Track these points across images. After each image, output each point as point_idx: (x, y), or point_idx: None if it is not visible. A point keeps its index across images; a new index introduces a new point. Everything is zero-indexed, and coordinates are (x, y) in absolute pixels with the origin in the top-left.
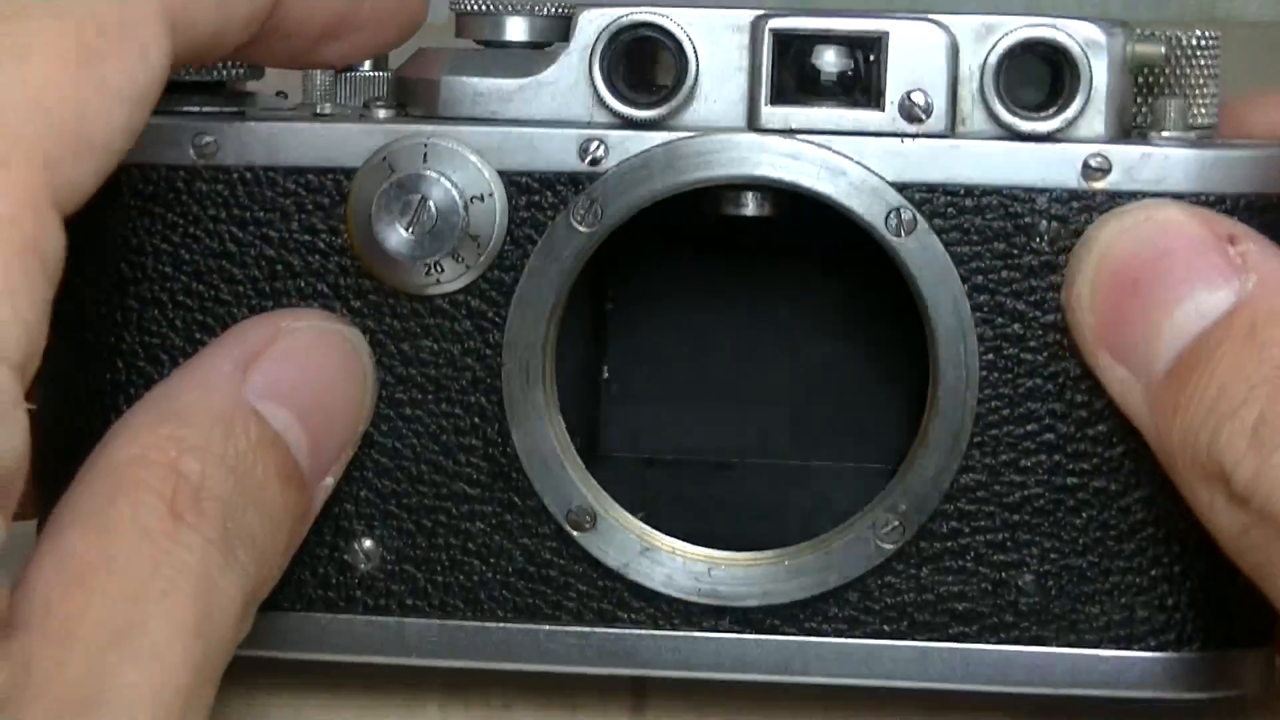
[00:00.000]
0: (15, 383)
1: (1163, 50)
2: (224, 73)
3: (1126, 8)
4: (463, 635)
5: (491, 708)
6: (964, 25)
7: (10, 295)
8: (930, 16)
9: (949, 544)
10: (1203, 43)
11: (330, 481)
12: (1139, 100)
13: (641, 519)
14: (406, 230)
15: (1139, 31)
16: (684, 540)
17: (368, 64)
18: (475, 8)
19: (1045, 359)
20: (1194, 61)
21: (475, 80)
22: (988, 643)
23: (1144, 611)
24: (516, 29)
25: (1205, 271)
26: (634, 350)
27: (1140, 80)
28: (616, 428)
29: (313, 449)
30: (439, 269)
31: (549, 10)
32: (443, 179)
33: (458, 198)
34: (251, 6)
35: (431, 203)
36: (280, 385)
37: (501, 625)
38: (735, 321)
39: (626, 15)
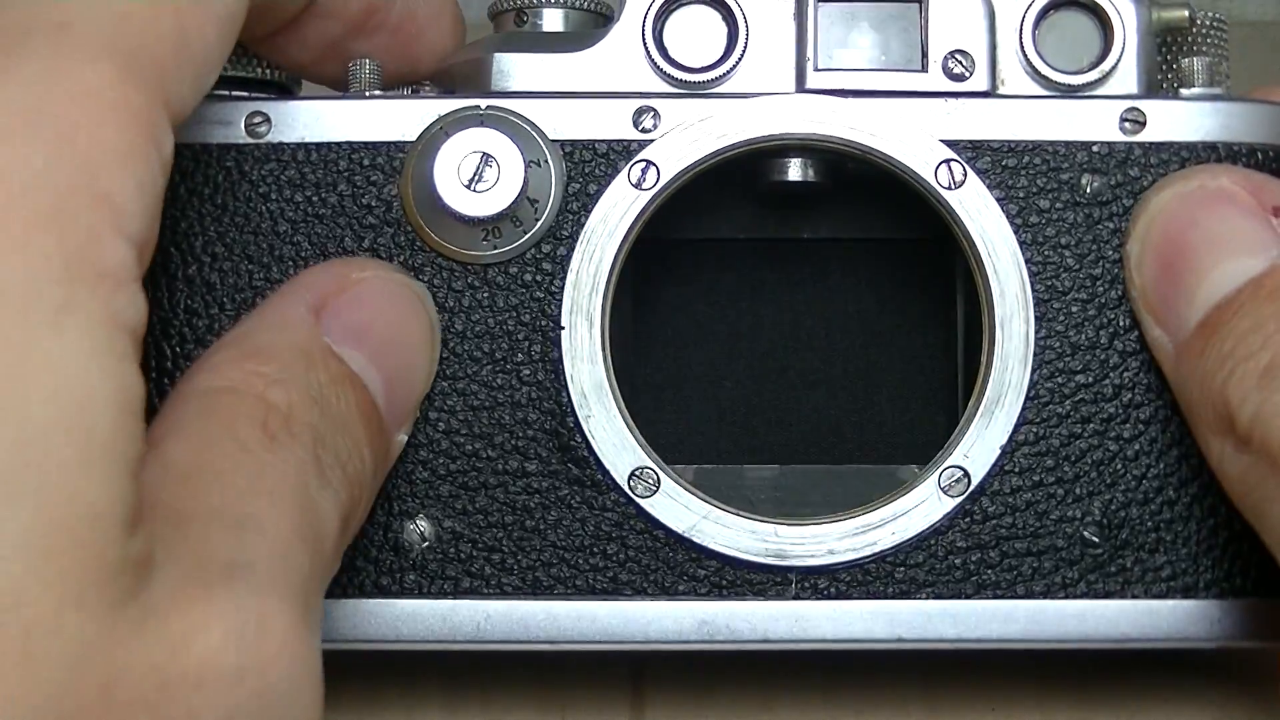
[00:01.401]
0: (135, 262)
1: (1186, 13)
2: (268, 72)
3: None
4: (519, 616)
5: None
6: None
7: (136, 177)
8: None
9: (1011, 498)
10: (1215, 23)
11: (402, 437)
12: (1163, 63)
13: None
14: (469, 187)
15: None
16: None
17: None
18: (512, 4)
19: (1095, 311)
20: (1210, 36)
21: (526, 56)
22: (1055, 597)
23: (1207, 560)
24: (554, 20)
25: (1245, 239)
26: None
27: (1163, 44)
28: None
29: (388, 394)
30: (496, 234)
31: (586, 4)
32: (503, 135)
33: (520, 155)
34: None
35: (494, 159)
36: (353, 329)
37: (561, 603)
38: (771, 317)
39: None
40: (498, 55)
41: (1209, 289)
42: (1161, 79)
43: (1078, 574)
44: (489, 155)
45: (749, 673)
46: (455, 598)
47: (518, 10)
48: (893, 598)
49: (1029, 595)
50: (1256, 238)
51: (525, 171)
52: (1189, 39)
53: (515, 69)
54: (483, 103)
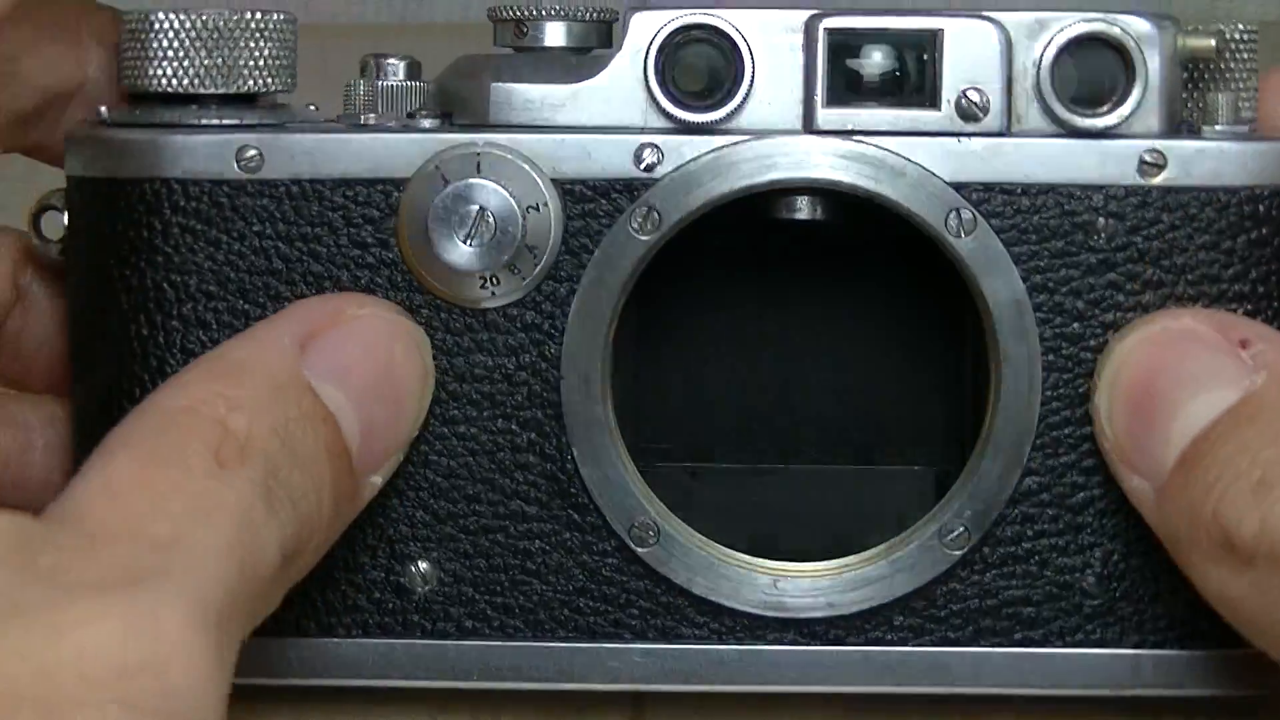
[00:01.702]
0: None
1: (1213, 43)
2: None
3: (1126, 8)
4: (523, 657)
5: None
6: (1016, 21)
7: None
8: (983, 13)
9: (1013, 548)
10: (1245, 37)
11: (378, 480)
12: (1187, 95)
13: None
14: (465, 242)
15: (1189, 28)
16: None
17: (402, 72)
18: (513, 14)
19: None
20: (1238, 55)
21: (525, 87)
22: (1053, 646)
23: (1205, 609)
24: (556, 34)
25: (1215, 374)
26: (673, 354)
27: (1188, 74)
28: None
29: (365, 437)
30: (494, 281)
31: (588, 15)
32: (500, 188)
33: (515, 207)
34: None
35: (490, 213)
36: (337, 366)
37: (563, 645)
38: (778, 324)
39: (680, 17)
40: (494, 86)
41: (1183, 426)
42: (1185, 111)
43: (1075, 623)
44: (485, 209)
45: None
46: (459, 639)
47: (518, 21)
48: (892, 645)
49: (1027, 644)
50: (1227, 371)
51: (524, 221)
52: (1212, 69)
53: (514, 100)
54: (480, 139)
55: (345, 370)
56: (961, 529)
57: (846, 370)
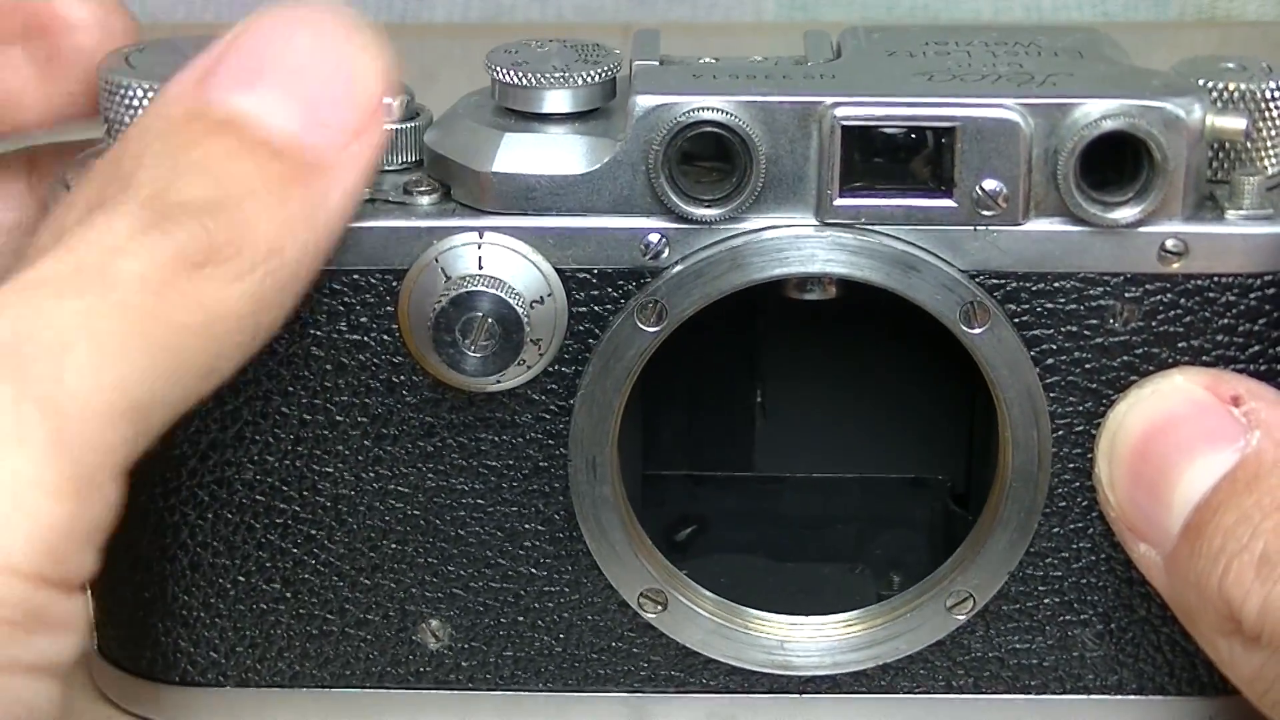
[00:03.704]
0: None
1: (1244, 125)
2: None
3: (1127, 8)
4: (531, 704)
5: None
6: (1036, 109)
7: None
8: (1001, 102)
9: (1016, 606)
10: (1278, 92)
11: (355, 148)
12: (1214, 169)
13: (691, 533)
14: (469, 349)
15: (1217, 95)
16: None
17: (396, 111)
18: (516, 79)
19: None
20: (1268, 114)
21: (528, 175)
22: (1053, 693)
23: (1203, 658)
24: (558, 102)
25: (1210, 436)
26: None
27: (1214, 151)
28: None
29: (307, 115)
30: (500, 373)
31: (589, 79)
32: (502, 289)
33: (519, 309)
34: None
35: (493, 320)
36: (243, 71)
37: (574, 694)
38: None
39: (687, 112)
40: (496, 174)
41: (1185, 492)
42: (1210, 188)
43: (1076, 673)
44: (488, 317)
45: None
46: (471, 689)
47: (521, 88)
48: (896, 692)
49: (1028, 690)
50: (1221, 431)
51: (528, 319)
52: (1245, 147)
53: (516, 186)
54: (481, 229)
55: (255, 69)
56: (967, 596)
57: (852, 393)
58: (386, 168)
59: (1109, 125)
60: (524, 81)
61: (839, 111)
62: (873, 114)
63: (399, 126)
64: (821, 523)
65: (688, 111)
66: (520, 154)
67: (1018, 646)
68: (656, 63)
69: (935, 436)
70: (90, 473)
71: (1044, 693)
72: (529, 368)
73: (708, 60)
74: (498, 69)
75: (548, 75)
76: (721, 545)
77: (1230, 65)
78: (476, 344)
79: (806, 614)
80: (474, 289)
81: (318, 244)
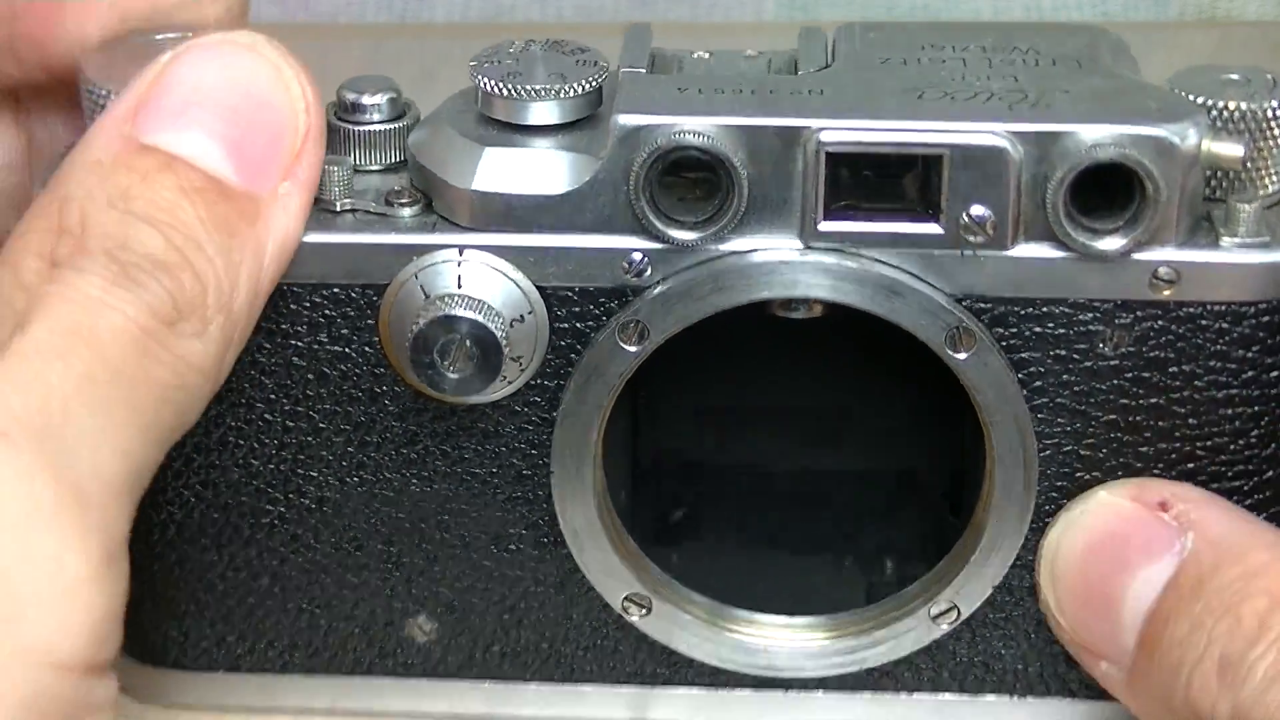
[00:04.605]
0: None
1: (1242, 153)
2: None
3: (1127, 8)
4: (520, 695)
5: None
6: (1026, 135)
7: None
8: (990, 128)
9: (1002, 615)
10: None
11: (287, 185)
12: (1212, 181)
13: (682, 516)
14: (448, 370)
15: (1216, 114)
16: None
17: (385, 110)
18: (500, 90)
19: (1106, 454)
20: (1269, 134)
21: (510, 195)
22: (1038, 695)
23: None
24: (543, 114)
25: (1145, 547)
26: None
27: (1211, 176)
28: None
29: (238, 156)
30: (481, 390)
31: (576, 90)
32: (481, 310)
33: (497, 330)
34: None
35: (471, 342)
36: (169, 109)
37: (560, 685)
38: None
39: (671, 135)
40: (478, 191)
41: (1132, 609)
42: (1207, 208)
43: (1064, 677)
44: (466, 339)
45: None
46: (459, 679)
47: (504, 99)
48: (883, 690)
49: (1013, 693)
50: (1154, 540)
51: (507, 338)
52: (1242, 174)
53: (498, 206)
54: (460, 247)
55: (180, 108)
56: (951, 608)
57: (842, 392)
58: (369, 167)
59: (1100, 155)
60: (508, 93)
61: (824, 135)
62: (858, 139)
63: (383, 128)
64: (812, 514)
65: (669, 135)
66: (501, 172)
67: (1003, 652)
68: (644, 69)
69: (925, 433)
70: (116, 549)
71: (1029, 695)
72: (510, 383)
73: (700, 56)
74: (482, 78)
75: (532, 87)
76: (711, 534)
77: (1234, 77)
78: (455, 366)
79: (793, 614)
80: (453, 311)
81: (263, 283)
